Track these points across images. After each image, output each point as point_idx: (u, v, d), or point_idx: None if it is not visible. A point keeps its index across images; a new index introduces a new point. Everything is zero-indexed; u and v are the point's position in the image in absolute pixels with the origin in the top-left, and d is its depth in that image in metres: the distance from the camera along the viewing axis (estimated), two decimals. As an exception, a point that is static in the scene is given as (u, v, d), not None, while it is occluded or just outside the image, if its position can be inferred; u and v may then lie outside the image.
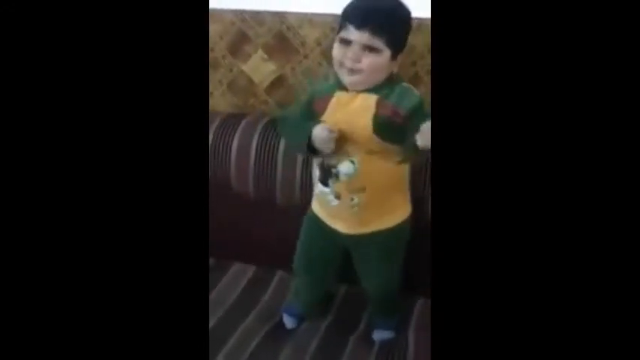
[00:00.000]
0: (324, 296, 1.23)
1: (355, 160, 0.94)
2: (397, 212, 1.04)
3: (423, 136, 0.81)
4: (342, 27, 0.90)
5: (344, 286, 1.29)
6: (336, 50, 0.92)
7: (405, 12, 0.93)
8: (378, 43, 0.88)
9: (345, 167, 0.94)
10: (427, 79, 1.20)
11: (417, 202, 1.14)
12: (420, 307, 1.24)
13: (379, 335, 1.16)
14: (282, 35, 1.26)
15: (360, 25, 0.87)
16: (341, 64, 0.91)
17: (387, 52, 0.89)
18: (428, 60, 1.18)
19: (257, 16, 1.27)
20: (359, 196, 0.97)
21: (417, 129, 0.82)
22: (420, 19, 1.14)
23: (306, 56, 1.26)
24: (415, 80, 1.20)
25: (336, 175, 0.96)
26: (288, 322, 1.19)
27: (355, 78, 0.91)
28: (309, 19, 1.22)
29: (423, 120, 0.82)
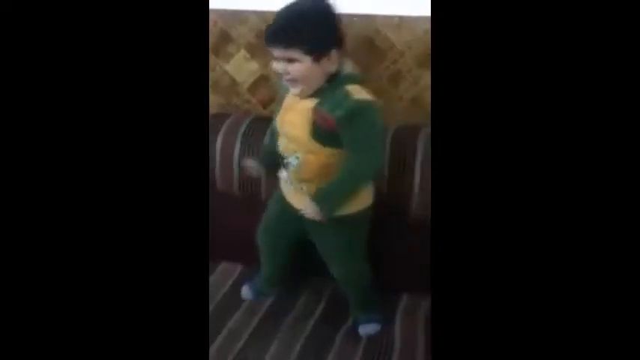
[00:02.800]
0: (282, 273, 1.25)
1: (299, 155, 1.00)
2: (348, 203, 1.03)
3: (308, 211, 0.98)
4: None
5: (331, 283, 1.30)
6: (273, 66, 0.97)
7: (321, 12, 0.93)
8: (293, 53, 0.92)
9: (292, 160, 1.02)
10: (409, 76, 1.22)
11: (399, 197, 1.16)
12: (405, 302, 1.25)
13: (364, 330, 1.17)
14: (264, 34, 1.27)
15: (271, 44, 0.93)
16: (280, 77, 0.97)
17: (306, 59, 0.92)
18: (408, 58, 1.20)
19: (239, 16, 1.28)
20: (306, 185, 1.03)
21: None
22: (401, 17, 1.17)
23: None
24: (397, 77, 1.22)
25: (287, 166, 1.03)
26: (245, 292, 1.25)
27: (296, 88, 0.97)
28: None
29: (356, 126, 0.93)
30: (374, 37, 1.19)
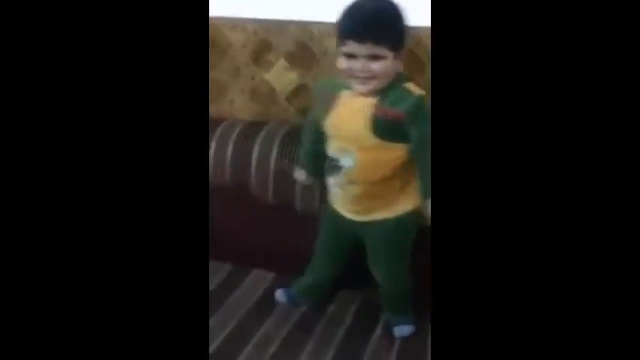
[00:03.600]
0: (328, 282, 1.25)
1: (354, 155, 1.00)
2: (397, 205, 1.07)
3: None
4: (341, 42, 0.94)
5: (360, 294, 1.30)
6: (343, 64, 0.96)
7: (396, 10, 0.95)
8: (382, 50, 0.92)
9: (345, 161, 1.01)
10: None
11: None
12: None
13: (399, 331, 1.18)
14: (304, 45, 1.28)
15: (360, 40, 0.91)
16: (351, 75, 0.96)
17: (391, 55, 0.93)
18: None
19: (280, 26, 1.29)
20: (357, 186, 1.03)
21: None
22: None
23: (327, 66, 1.28)
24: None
25: (339, 168, 1.02)
26: (280, 295, 1.23)
27: (370, 85, 0.96)
28: (332, 28, 1.23)
29: (422, 119, 0.92)
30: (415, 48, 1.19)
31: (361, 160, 1.00)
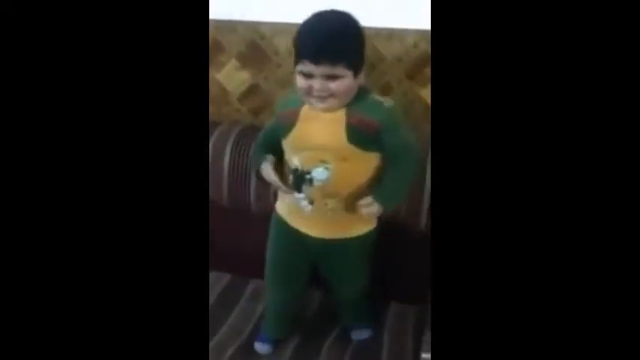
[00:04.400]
0: (296, 310, 1.22)
1: (330, 166, 0.96)
2: (363, 222, 1.05)
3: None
4: (298, 60, 0.92)
5: (317, 293, 1.30)
6: (300, 82, 0.93)
7: (354, 28, 0.93)
8: (339, 70, 0.90)
9: (319, 173, 0.97)
10: (398, 88, 1.23)
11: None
12: (394, 310, 1.26)
13: (357, 335, 1.18)
14: (255, 45, 1.28)
15: (316, 62, 0.89)
16: (308, 94, 0.94)
17: (349, 74, 0.91)
18: (398, 69, 1.21)
19: (230, 26, 1.28)
20: (333, 201, 0.99)
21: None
22: (391, 30, 1.18)
23: (279, 65, 1.28)
24: (386, 89, 1.23)
25: (310, 181, 0.98)
26: (260, 347, 1.16)
27: (327, 104, 0.94)
28: (282, 28, 1.24)
29: (397, 128, 0.94)
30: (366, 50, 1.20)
31: (338, 171, 0.97)
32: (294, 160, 1.00)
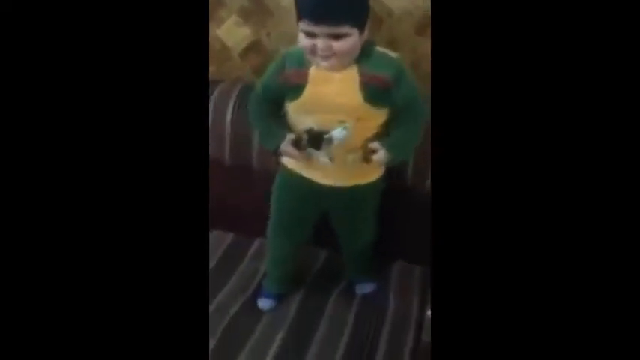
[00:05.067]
0: (298, 265, 1.23)
1: (348, 125, 0.96)
2: (373, 169, 1.07)
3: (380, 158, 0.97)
4: (299, 18, 0.89)
5: (323, 251, 1.31)
6: (303, 41, 0.90)
7: None
8: (343, 29, 0.87)
9: (338, 132, 0.97)
10: (405, 42, 1.21)
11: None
12: (400, 268, 1.28)
13: (361, 288, 1.20)
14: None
15: (317, 21, 0.86)
16: (312, 53, 0.91)
17: (354, 32, 0.88)
18: (405, 25, 1.19)
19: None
20: (352, 155, 1.00)
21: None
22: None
23: (281, 20, 1.25)
24: (395, 44, 1.21)
25: (329, 140, 0.97)
26: (264, 303, 1.17)
27: (332, 62, 0.91)
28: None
29: (406, 80, 0.94)
30: (371, 4, 1.16)
31: (355, 129, 0.96)
32: (307, 121, 0.98)
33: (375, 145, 0.98)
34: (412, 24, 1.18)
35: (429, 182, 1.17)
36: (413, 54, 1.21)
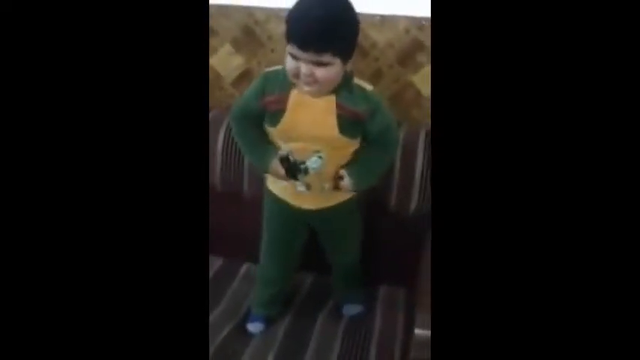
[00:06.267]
0: (285, 289, 1.25)
1: (322, 154, 0.99)
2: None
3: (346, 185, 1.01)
4: (289, 42, 0.91)
5: (309, 276, 1.33)
6: (289, 64, 0.93)
7: (346, 15, 0.92)
8: (326, 57, 0.90)
9: (314, 162, 1.00)
10: (389, 73, 1.25)
11: (378, 191, 1.19)
12: (385, 291, 1.30)
13: (349, 310, 1.22)
14: (249, 29, 1.29)
15: (303, 47, 0.88)
16: (295, 76, 0.93)
17: (337, 62, 0.91)
18: (389, 55, 1.23)
19: (224, 11, 1.29)
20: (329, 183, 1.04)
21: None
22: (384, 17, 1.20)
23: (272, 50, 1.29)
24: (377, 75, 1.25)
25: (305, 170, 1.00)
26: (255, 328, 1.19)
27: (313, 88, 0.94)
28: (275, 14, 1.25)
29: (380, 112, 0.99)
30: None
31: (330, 158, 1.00)
32: (283, 147, 1.01)
33: (342, 171, 1.02)
34: (395, 55, 1.24)
35: (413, 205, 1.20)
36: (396, 83, 1.26)
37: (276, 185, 1.10)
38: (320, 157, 0.99)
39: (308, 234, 1.17)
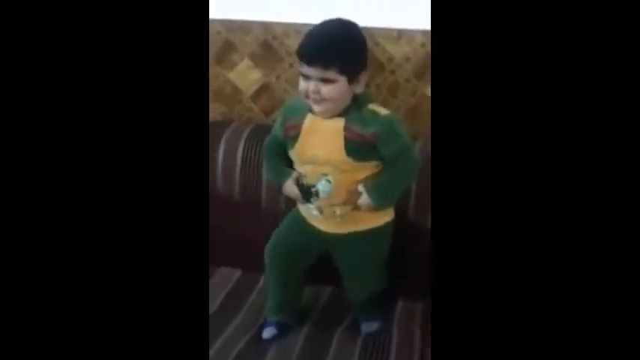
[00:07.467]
0: (296, 297, 1.25)
1: (331, 178, 1.01)
2: (376, 216, 1.10)
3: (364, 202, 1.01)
4: (299, 62, 0.97)
5: (327, 288, 1.33)
6: (301, 84, 0.98)
7: (355, 36, 0.98)
8: (331, 74, 0.94)
9: (323, 186, 1.02)
10: (405, 86, 1.26)
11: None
12: (402, 306, 1.28)
13: (366, 327, 1.20)
14: (267, 44, 1.31)
15: (310, 62, 0.94)
16: (306, 96, 0.98)
17: (342, 80, 0.95)
18: (406, 68, 1.24)
19: (244, 26, 1.31)
20: (340, 208, 1.05)
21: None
22: (400, 30, 1.21)
23: (291, 65, 1.31)
24: (394, 88, 1.26)
25: (316, 193, 1.03)
26: (266, 333, 1.19)
27: (321, 107, 0.98)
28: (294, 29, 1.27)
29: (395, 135, 0.99)
30: (374, 50, 1.23)
31: (339, 182, 1.02)
32: (300, 171, 1.05)
33: (359, 187, 1.02)
34: (412, 68, 1.24)
35: (430, 218, 1.19)
36: (413, 97, 1.27)
37: (304, 207, 1.12)
38: (328, 181, 1.01)
39: (318, 255, 1.17)
